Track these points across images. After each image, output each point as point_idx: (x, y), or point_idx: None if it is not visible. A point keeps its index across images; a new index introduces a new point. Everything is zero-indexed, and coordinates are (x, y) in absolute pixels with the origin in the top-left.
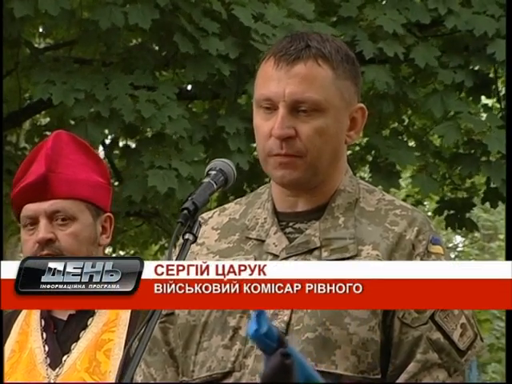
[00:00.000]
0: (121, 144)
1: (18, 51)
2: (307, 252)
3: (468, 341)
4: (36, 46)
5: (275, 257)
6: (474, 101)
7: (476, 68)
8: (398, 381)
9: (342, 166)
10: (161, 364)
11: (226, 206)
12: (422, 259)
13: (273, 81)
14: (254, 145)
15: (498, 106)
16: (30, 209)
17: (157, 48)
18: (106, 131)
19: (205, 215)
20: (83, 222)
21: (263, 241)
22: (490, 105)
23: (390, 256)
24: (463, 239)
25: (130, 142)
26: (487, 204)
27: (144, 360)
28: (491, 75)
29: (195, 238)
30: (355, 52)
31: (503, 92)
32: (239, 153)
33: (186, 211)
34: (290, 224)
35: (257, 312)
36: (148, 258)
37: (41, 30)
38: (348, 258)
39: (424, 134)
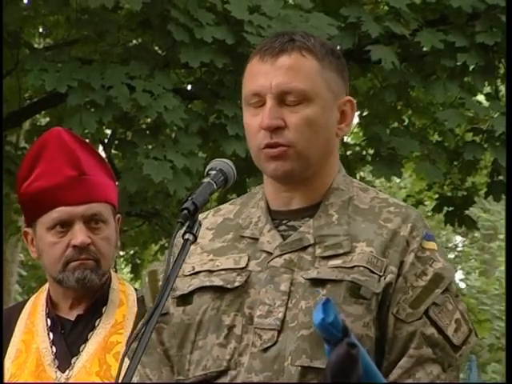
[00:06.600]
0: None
1: (17, 51)
2: (301, 249)
3: (462, 336)
4: (36, 46)
5: (269, 254)
6: (478, 85)
7: (481, 41)
8: (391, 376)
9: (334, 161)
10: (156, 364)
11: (220, 206)
12: (416, 255)
13: (259, 75)
14: None
15: (503, 89)
16: (64, 211)
17: (156, 48)
18: (102, 133)
19: (199, 216)
20: (111, 225)
21: (257, 239)
22: (492, 92)
23: (384, 252)
24: (463, 239)
25: (125, 135)
26: (489, 198)
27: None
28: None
29: (195, 237)
30: (361, 32)
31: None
32: (237, 138)
33: (185, 211)
34: (284, 222)
35: (323, 300)
36: (148, 257)
37: (41, 30)
38: (342, 255)
39: (424, 134)
